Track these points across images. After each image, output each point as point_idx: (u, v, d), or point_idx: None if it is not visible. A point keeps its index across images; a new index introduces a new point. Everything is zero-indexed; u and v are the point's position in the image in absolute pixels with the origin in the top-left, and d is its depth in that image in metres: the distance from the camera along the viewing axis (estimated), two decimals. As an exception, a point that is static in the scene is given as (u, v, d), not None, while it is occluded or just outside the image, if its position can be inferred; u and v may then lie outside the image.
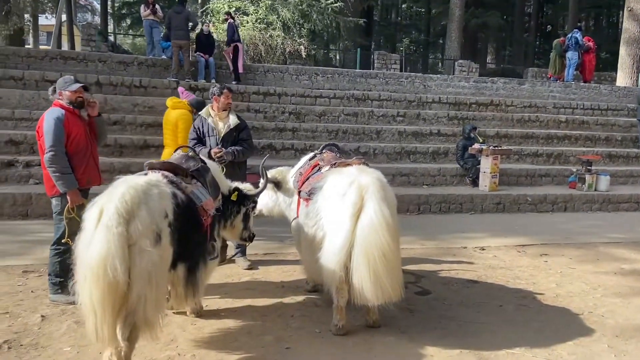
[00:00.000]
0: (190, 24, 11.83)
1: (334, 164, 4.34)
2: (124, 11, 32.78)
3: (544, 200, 9.84)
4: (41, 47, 28.24)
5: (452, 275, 5.61)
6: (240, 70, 12.49)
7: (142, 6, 13.07)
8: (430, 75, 15.43)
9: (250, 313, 4.32)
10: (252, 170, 6.19)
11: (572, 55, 15.66)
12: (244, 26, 17.29)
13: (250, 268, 5.53)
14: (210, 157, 5.33)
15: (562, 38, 16.44)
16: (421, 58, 32.16)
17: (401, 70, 16.36)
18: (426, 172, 10.29)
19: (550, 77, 16.28)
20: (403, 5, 37.87)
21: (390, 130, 11.53)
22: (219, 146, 5.40)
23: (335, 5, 18.47)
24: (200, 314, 4.17)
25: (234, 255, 5.48)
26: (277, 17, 17.29)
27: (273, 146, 10.00)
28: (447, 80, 14.75)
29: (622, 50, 17.05)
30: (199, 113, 5.68)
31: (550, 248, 6.97)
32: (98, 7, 34.32)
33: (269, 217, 5.37)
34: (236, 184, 4.45)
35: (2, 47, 13.83)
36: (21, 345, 3.59)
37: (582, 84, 15.99)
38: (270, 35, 16.94)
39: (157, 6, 12.90)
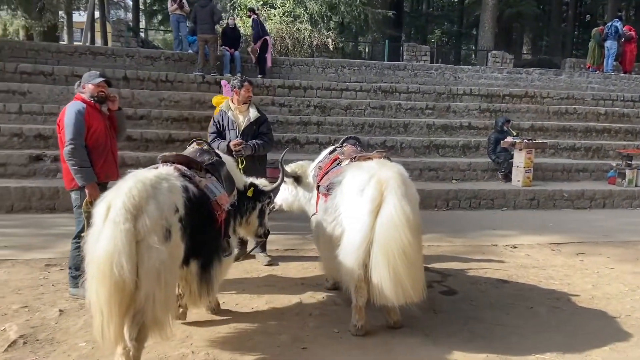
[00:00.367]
0: (215, 19, 11.76)
1: (354, 157, 4.17)
2: (155, 7, 33.15)
3: (581, 196, 9.41)
4: (75, 43, 28.82)
5: (480, 275, 5.36)
6: (269, 64, 12.40)
7: (169, 1, 13.09)
8: (461, 66, 15.04)
9: (267, 311, 4.20)
10: (275, 165, 6.08)
11: (611, 45, 14.96)
12: (271, 20, 17.21)
13: (270, 264, 5.41)
14: (229, 149, 5.25)
15: (601, 27, 15.77)
16: (453, 50, 31.47)
17: (432, 62, 15.97)
18: (455, 166, 9.98)
19: (588, 68, 15.63)
20: (435, -4, 37.16)
21: (419, 123, 11.25)
22: (239, 139, 5.28)
23: (364, -4, 18.21)
24: (217, 311, 4.07)
25: (252, 250, 5.37)
26: (305, 10, 17.14)
27: (297, 140, 9.87)
28: (479, 72, 14.33)
29: (665, 40, 16.22)
30: (220, 106, 5.58)
31: (586, 246, 6.62)
32: (130, 3, 34.83)
33: (289, 211, 5.25)
34: (252, 179, 4.31)
35: (32, 42, 14.08)
36: (37, 340, 3.55)
37: (622, 74, 15.31)
38: (298, 29, 16.80)
39: (184, 0, 12.90)
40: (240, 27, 14.48)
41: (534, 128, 11.57)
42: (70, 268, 4.43)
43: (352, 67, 13.50)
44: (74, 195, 4.51)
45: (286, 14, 17.31)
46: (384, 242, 3.48)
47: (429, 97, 12.50)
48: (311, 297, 4.53)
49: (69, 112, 4.39)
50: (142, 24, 31.65)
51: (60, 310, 4.05)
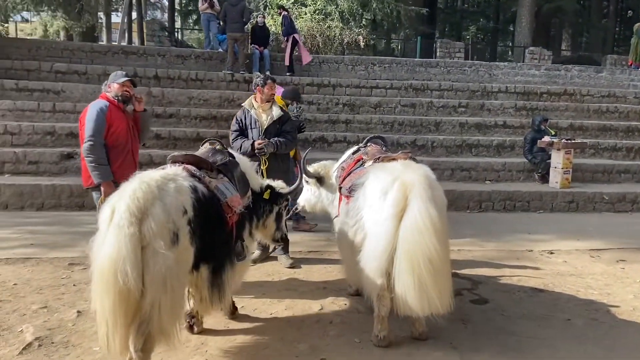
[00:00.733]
0: (244, 18, 11.70)
1: (378, 158, 3.98)
2: (190, 7, 33.52)
3: (623, 199, 8.93)
4: (113, 44, 29.39)
5: (514, 282, 5.08)
6: (307, 60, 12.30)
7: (200, 0, 13.12)
8: (497, 63, 14.58)
9: (286, 317, 4.04)
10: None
11: (654, 42, 14.26)
12: (302, 18, 17.10)
13: (292, 266, 5.27)
14: (253, 149, 5.13)
15: (644, 22, 15.03)
16: (489, 47, 30.70)
17: (466, 59, 15.53)
18: (489, 166, 9.63)
19: (630, 65, 14.91)
20: (470, -8, 36.34)
21: (451, 122, 10.93)
22: (262, 138, 5.16)
23: (396, -7, 17.92)
24: (235, 316, 3.95)
25: (271, 252, 5.25)
26: (336, 8, 16.96)
27: (325, 138, 9.71)
28: (515, 69, 13.87)
29: None
30: (242, 104, 5.46)
31: (628, 253, 6.23)
32: (167, 3, 35.33)
33: (312, 212, 5.10)
34: (268, 181, 4.16)
35: (68, 42, 14.40)
36: (52, 342, 3.50)
37: (667, 71, 14.57)
38: (328, 26, 16.64)
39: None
40: (271, 25, 14.41)
41: (573, 127, 11.08)
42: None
43: (382, 65, 13.24)
44: (95, 195, 4.51)
45: (317, 11, 17.17)
46: (408, 249, 3.28)
47: (462, 95, 12.15)
48: (333, 303, 4.35)
49: (91, 109, 4.43)
50: (178, 24, 32.06)
51: (79, 312, 3.99)
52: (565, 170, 9.00)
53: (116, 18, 34.29)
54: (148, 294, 2.55)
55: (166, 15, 36.78)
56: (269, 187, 3.96)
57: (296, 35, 12.10)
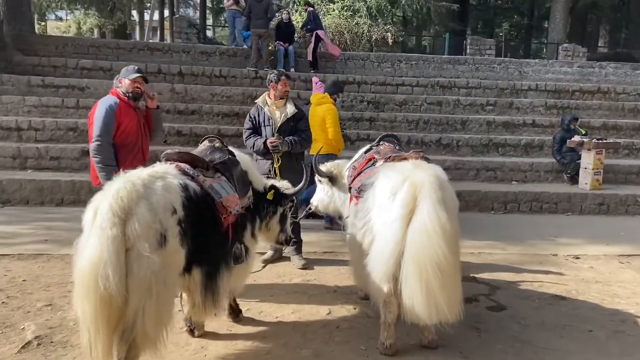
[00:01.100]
0: (269, 14, 11.61)
1: (389, 157, 3.81)
2: (221, 5, 33.71)
3: (658, 202, 8.51)
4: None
5: (534, 289, 4.83)
6: (336, 53, 12.24)
7: (226, -4, 13.12)
8: (527, 60, 14.13)
9: (292, 321, 3.92)
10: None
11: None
12: (330, 14, 16.95)
13: (304, 267, 5.14)
14: (265, 147, 5.02)
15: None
16: (523, 44, 29.90)
17: (499, 56, 15.10)
18: (516, 166, 9.30)
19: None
20: (503, -12, 35.42)
21: (478, 120, 10.61)
22: (276, 136, 5.04)
23: (426, -11, 17.62)
24: (239, 319, 3.84)
25: (275, 255, 5.15)
26: (364, 4, 16.75)
27: (347, 136, 9.50)
28: (546, 66, 13.42)
29: None
30: (256, 101, 5.35)
31: (661, 260, 5.89)
32: (198, 1, 35.69)
33: (325, 213, 4.96)
34: (274, 181, 4.01)
35: (93, 39, 14.62)
36: (51, 342, 3.46)
37: None
38: (356, 23, 16.45)
39: (240, -4, 12.88)
40: (297, 22, 14.31)
41: (606, 126, 10.61)
42: None
43: (409, 62, 12.99)
44: None
45: (345, 8, 16.99)
46: (415, 253, 3.11)
47: (490, 93, 11.80)
48: (342, 307, 4.21)
49: (100, 107, 4.28)
50: (210, 22, 32.32)
51: (83, 310, 3.96)
52: (595, 171, 8.61)
53: (149, 15, 34.88)
54: (131, 300, 2.44)
55: (198, 12, 37.25)
56: (273, 187, 3.82)
57: (320, 32, 11.94)
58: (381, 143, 4.26)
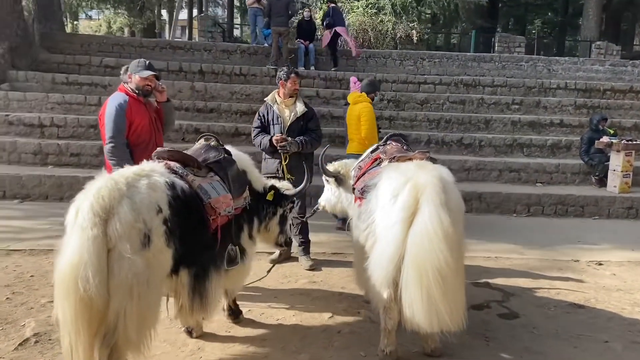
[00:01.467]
0: (290, 12, 11.54)
1: (393, 157, 3.68)
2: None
3: (692, 207, 8.10)
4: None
5: (551, 296, 4.63)
6: (355, 52, 12.04)
7: (248, -5, 13.11)
8: (556, 57, 13.68)
9: (292, 324, 3.83)
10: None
11: None
12: (354, 12, 16.79)
13: (311, 268, 5.05)
14: (272, 145, 4.94)
15: None
16: (556, 41, 29.09)
17: (531, 55, 14.65)
18: (541, 167, 9.00)
19: None
20: (535, -16, 34.53)
21: (502, 119, 10.32)
22: (282, 134, 4.95)
23: (453, -15, 17.31)
24: (239, 320, 3.77)
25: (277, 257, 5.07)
26: (389, 1, 16.54)
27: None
28: (577, 64, 12.98)
29: None
30: (265, 99, 5.27)
31: (691, 268, 5.58)
32: (226, 0, 35.94)
33: (333, 213, 4.85)
34: (274, 181, 3.91)
35: (118, 37, 14.81)
36: (49, 339, 3.45)
37: None
38: (381, 21, 16.25)
39: (261, -6, 12.84)
40: (319, 20, 14.22)
41: (637, 127, 10.17)
42: None
43: (432, 59, 12.75)
44: None
45: (370, 5, 16.81)
46: (415, 257, 2.97)
47: (516, 92, 11.47)
48: (345, 311, 4.10)
49: (110, 106, 4.12)
50: (238, 20, 32.51)
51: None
52: (625, 173, 8.26)
53: (180, 15, 35.33)
54: (113, 302, 2.37)
55: (226, 11, 37.54)
56: (272, 188, 3.72)
57: (339, 29, 11.79)
58: (388, 142, 4.12)
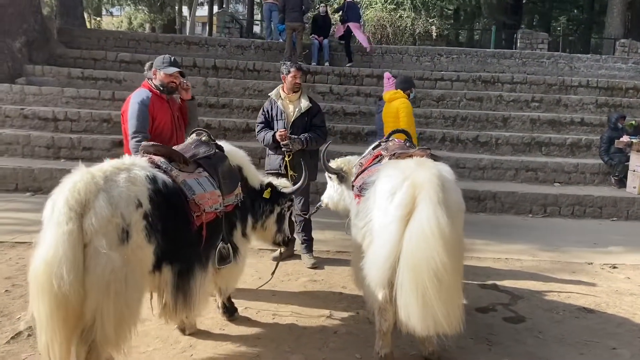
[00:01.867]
0: (304, 7, 11.44)
1: (394, 154, 3.56)
2: (269, 0, 33.92)
3: None
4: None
5: (560, 300, 4.46)
6: (366, 45, 11.92)
7: (263, -10, 13.07)
8: (578, 55, 13.31)
9: (288, 323, 3.74)
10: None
11: None
12: (373, 7, 16.64)
13: (314, 267, 4.96)
14: (275, 141, 4.87)
15: None
16: (582, 39, 28.42)
17: (556, 52, 14.31)
18: (559, 167, 8.76)
19: None
20: (561, -20, 33.81)
21: (521, 117, 10.08)
22: (284, 130, 4.86)
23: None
24: (234, 318, 3.71)
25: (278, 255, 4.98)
26: (409, -4, 16.37)
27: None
28: (599, 62, 12.63)
29: None
30: (269, 94, 5.19)
31: None
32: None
33: (336, 211, 4.74)
34: (272, 179, 3.80)
35: (134, 33, 14.91)
36: (42, 333, 3.43)
37: None
38: (400, 16, 16.06)
39: (276, -11, 12.77)
40: (336, 15, 14.10)
41: (661, 126, 9.84)
42: None
43: (450, 55, 12.51)
44: None
45: (389, 1, 16.63)
46: (411, 258, 2.85)
47: (536, 89, 11.21)
48: (344, 310, 4.00)
49: (133, 102, 4.03)
50: (258, 17, 32.57)
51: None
52: (646, 174, 7.99)
53: (201, 11, 35.52)
54: (89, 299, 2.30)
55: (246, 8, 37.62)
56: (269, 185, 3.62)
57: (352, 24, 11.65)
58: (391, 139, 4.01)
